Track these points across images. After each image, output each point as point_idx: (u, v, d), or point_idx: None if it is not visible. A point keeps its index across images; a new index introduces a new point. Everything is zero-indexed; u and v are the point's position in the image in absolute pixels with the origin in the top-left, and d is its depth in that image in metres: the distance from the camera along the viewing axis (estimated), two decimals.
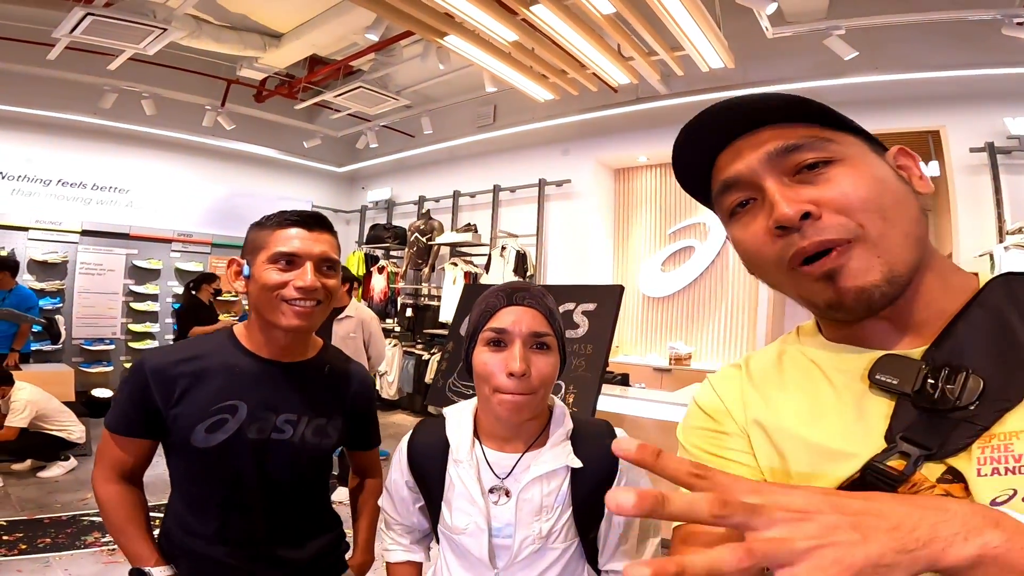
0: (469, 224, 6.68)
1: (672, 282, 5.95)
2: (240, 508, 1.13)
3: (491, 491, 1.00)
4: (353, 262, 7.55)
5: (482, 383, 0.98)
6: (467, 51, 4.55)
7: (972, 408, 0.49)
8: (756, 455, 0.63)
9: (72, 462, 4.22)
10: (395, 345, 6.71)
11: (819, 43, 3.90)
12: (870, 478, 0.52)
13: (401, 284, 7.18)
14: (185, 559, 1.13)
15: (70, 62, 5.41)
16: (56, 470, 4.11)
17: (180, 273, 6.93)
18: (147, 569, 1.10)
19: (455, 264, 6.53)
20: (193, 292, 5.23)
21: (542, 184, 6.33)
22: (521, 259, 6.10)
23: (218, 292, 4.23)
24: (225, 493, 1.12)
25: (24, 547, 2.97)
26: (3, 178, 5.87)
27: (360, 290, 7.44)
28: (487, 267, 6.27)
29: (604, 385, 3.13)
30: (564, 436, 1.02)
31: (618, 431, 1.06)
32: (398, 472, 1.11)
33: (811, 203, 0.54)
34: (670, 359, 5.57)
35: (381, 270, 7.31)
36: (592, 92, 5.33)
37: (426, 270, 6.98)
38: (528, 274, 6.09)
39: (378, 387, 6.45)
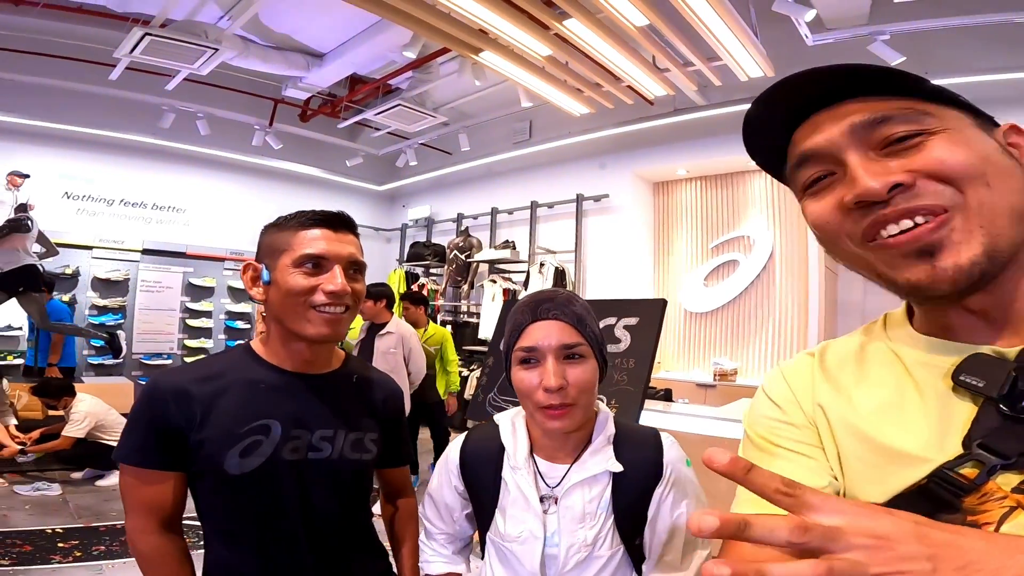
0: (507, 241, 6.71)
1: (716, 297, 5.80)
2: (283, 541, 1.01)
3: (541, 500, 0.99)
4: (394, 280, 7.68)
5: (524, 400, 0.98)
6: (502, 67, 4.60)
7: None
8: (825, 447, 0.59)
9: None
10: None
11: (863, 49, 3.76)
12: (934, 486, 0.48)
13: (441, 301, 7.26)
14: None
15: (130, 83, 5.74)
16: (113, 479, 4.23)
17: (232, 291, 7.19)
18: None
19: (494, 281, 6.54)
20: None
21: (580, 199, 6.30)
22: (560, 275, 6.08)
23: None
24: (265, 525, 1.00)
25: (79, 554, 3.02)
26: (68, 198, 6.24)
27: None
28: (526, 284, 6.27)
29: (647, 400, 3.08)
30: (606, 442, 1.01)
31: (664, 436, 1.04)
32: (446, 478, 1.10)
33: (903, 172, 0.50)
34: (714, 375, 5.42)
35: (421, 287, 7.41)
36: (628, 105, 5.31)
37: (465, 287, 7.02)
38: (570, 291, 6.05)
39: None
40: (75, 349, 5.51)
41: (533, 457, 1.03)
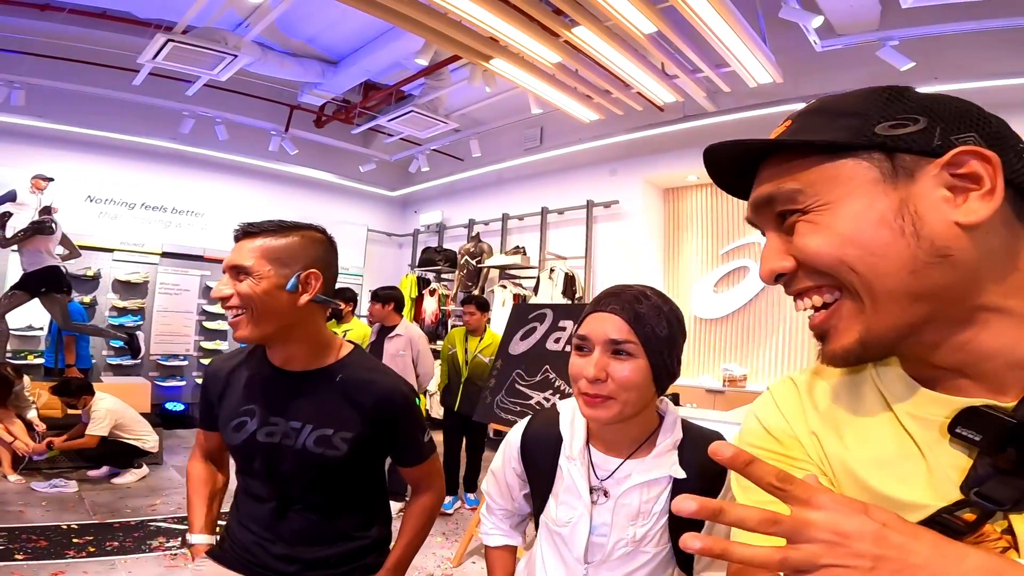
0: (518, 247, 6.74)
1: (726, 303, 5.78)
2: (259, 499, 1.22)
3: (591, 491, 1.03)
4: (406, 285, 7.74)
5: (573, 385, 1.01)
6: (512, 74, 4.67)
7: None
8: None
9: (144, 470, 4.43)
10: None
11: (872, 54, 3.78)
12: (936, 529, 0.48)
13: (452, 306, 7.31)
14: (228, 535, 1.28)
15: (152, 88, 5.87)
16: (129, 477, 4.33)
17: None
18: (188, 536, 1.31)
19: (504, 287, 6.58)
20: None
21: (590, 205, 6.33)
22: (570, 281, 6.10)
23: (337, 313, 4.53)
24: (246, 484, 1.25)
25: (93, 550, 3.08)
26: (91, 201, 6.40)
27: (413, 311, 7.65)
28: (536, 289, 6.30)
29: None
30: (671, 446, 1.02)
31: (728, 439, 1.07)
32: (508, 459, 1.16)
33: (786, 260, 0.54)
34: (724, 381, 5.40)
35: (432, 292, 7.46)
36: (638, 111, 5.34)
37: (476, 292, 7.07)
38: (577, 296, 6.07)
39: (428, 407, 6.52)
40: (89, 351, 5.63)
41: (589, 450, 1.06)
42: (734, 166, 0.58)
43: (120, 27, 5.30)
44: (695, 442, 1.02)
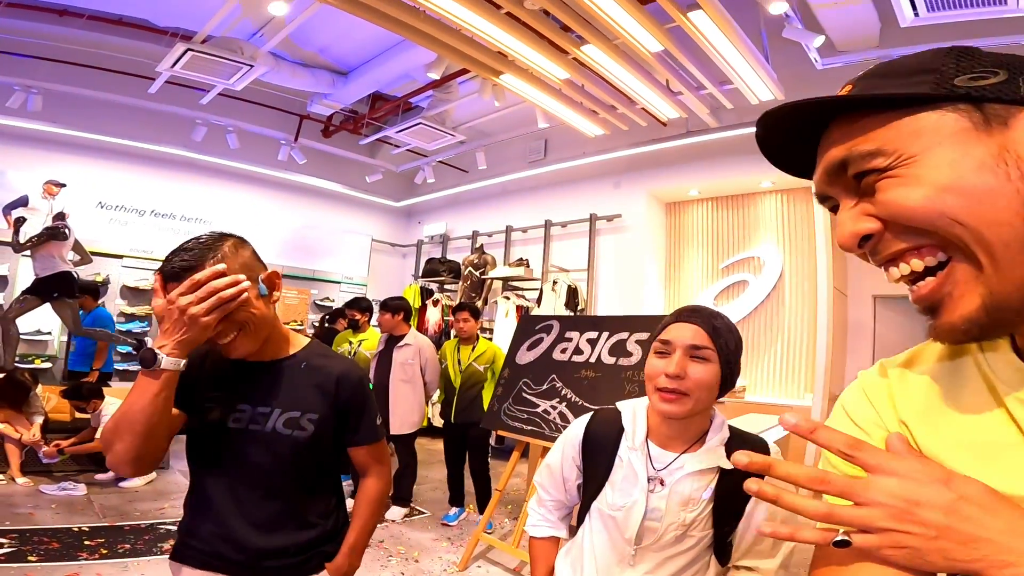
0: (521, 259, 6.81)
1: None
2: (218, 486, 1.23)
3: (648, 480, 1.15)
4: (409, 295, 7.78)
5: (648, 384, 1.15)
6: (521, 89, 4.78)
7: None
8: None
9: (152, 474, 4.40)
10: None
11: None
12: None
13: (453, 317, 7.34)
14: (186, 535, 1.27)
15: (167, 96, 5.96)
16: (137, 480, 4.32)
17: None
18: (155, 349, 1.07)
19: (507, 298, 6.63)
20: (328, 324, 5.81)
21: (593, 219, 6.42)
22: (572, 293, 6.16)
23: (354, 323, 4.64)
24: (208, 469, 1.24)
25: (105, 552, 3.11)
26: (102, 207, 6.45)
27: (416, 321, 7.70)
28: (539, 301, 6.35)
29: None
30: (720, 442, 1.16)
31: (772, 447, 1.19)
32: (568, 452, 1.27)
33: (869, 221, 0.49)
34: None
35: (436, 303, 7.48)
36: (642, 126, 5.45)
37: (479, 303, 7.10)
38: (579, 308, 6.14)
39: (430, 415, 6.53)
40: (112, 356, 5.66)
41: (647, 443, 1.19)
42: (793, 133, 0.54)
43: (138, 34, 5.39)
44: (740, 441, 1.17)
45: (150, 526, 3.55)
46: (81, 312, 5.12)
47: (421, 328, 7.51)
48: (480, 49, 4.33)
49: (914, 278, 0.48)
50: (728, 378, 1.14)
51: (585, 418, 1.30)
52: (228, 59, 4.85)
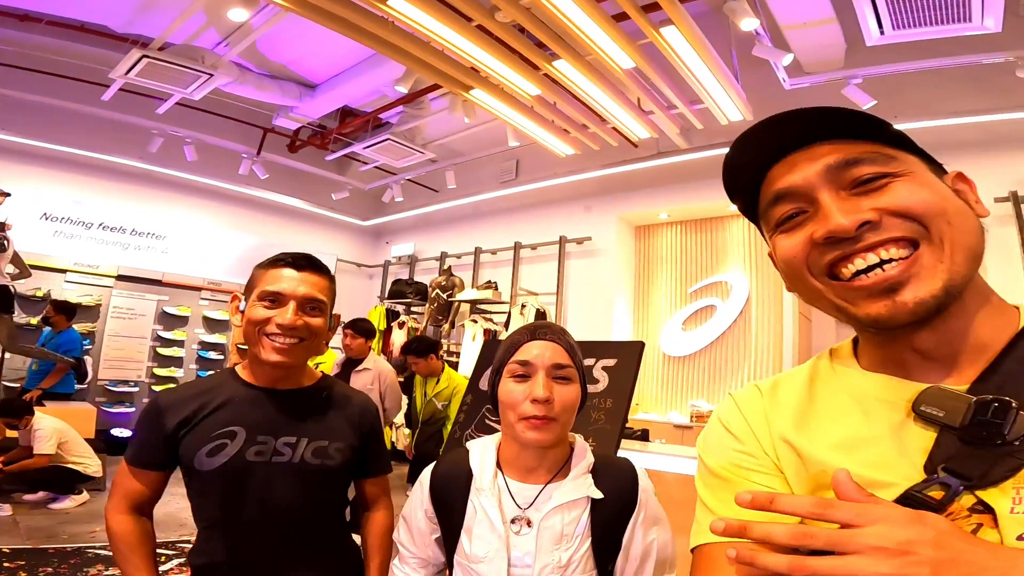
0: (490, 282, 6.72)
1: (693, 341, 5.84)
2: (245, 532, 1.16)
3: (513, 521, 1.02)
4: (375, 316, 7.60)
5: (507, 411, 1.04)
6: (491, 105, 4.73)
7: (1017, 443, 0.50)
8: (787, 477, 0.63)
9: (85, 496, 4.27)
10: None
11: (837, 93, 3.96)
12: (908, 507, 0.51)
13: None
14: None
15: (121, 104, 5.74)
16: (68, 503, 4.14)
17: (208, 321, 7.04)
18: None
19: (475, 321, 6.53)
20: None
21: (563, 241, 6.39)
22: (540, 317, 6.07)
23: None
24: (230, 515, 1.16)
25: (24, 575, 2.94)
26: (47, 219, 6.13)
27: (381, 343, 7.49)
28: (507, 325, 6.25)
29: (624, 440, 3.05)
30: (586, 469, 1.06)
31: (638, 467, 1.11)
32: (418, 502, 1.13)
33: (871, 210, 0.55)
34: (691, 416, 5.40)
35: (401, 325, 7.33)
36: (613, 147, 5.46)
37: (446, 326, 6.98)
38: None
39: (394, 439, 6.33)
40: (73, 378, 5.32)
41: (505, 480, 1.06)
42: (788, 141, 0.61)
43: (97, 40, 5.20)
44: (608, 467, 1.08)
45: (77, 550, 3.35)
46: (50, 331, 4.98)
47: (386, 351, 7.32)
48: (450, 63, 4.27)
49: (878, 264, 0.55)
50: (584, 398, 1.08)
51: (432, 465, 1.17)
52: (186, 67, 4.69)
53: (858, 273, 0.55)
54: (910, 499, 0.51)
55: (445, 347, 6.94)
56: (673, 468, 3.03)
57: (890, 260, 0.54)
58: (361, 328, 3.95)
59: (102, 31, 5.13)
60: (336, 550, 1.27)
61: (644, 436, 3.93)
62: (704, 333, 5.78)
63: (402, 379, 6.14)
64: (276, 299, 1.18)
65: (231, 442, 1.16)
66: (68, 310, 5.14)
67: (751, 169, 0.64)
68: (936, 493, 0.51)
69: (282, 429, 1.20)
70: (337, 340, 5.61)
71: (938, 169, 0.60)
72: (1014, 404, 0.50)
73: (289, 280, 1.19)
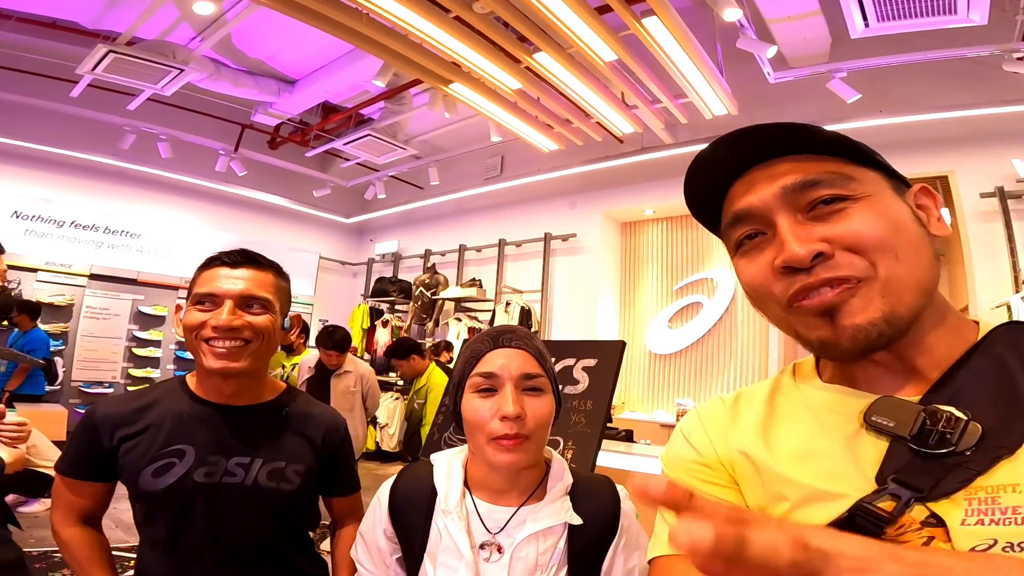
0: (474, 279, 6.64)
1: (680, 339, 5.79)
2: (191, 553, 1.08)
3: (482, 547, 0.92)
4: (358, 315, 7.50)
5: (475, 432, 0.92)
6: (472, 99, 4.63)
7: (968, 453, 0.49)
8: (742, 489, 0.62)
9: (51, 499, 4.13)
10: (397, 399, 6.56)
11: (822, 87, 3.91)
12: (859, 519, 0.51)
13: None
14: None
15: (92, 101, 5.59)
16: (37, 506, 4.00)
17: None
18: None
19: (459, 319, 6.47)
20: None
21: (548, 238, 6.31)
22: (525, 315, 6.02)
23: (288, 346, 4.31)
24: (176, 538, 1.08)
25: None
26: (17, 217, 5.97)
27: (364, 342, 7.39)
28: (491, 322, 6.18)
29: (607, 441, 2.98)
30: (563, 491, 0.96)
31: (619, 488, 1.01)
32: (376, 519, 1.02)
33: (824, 241, 0.54)
34: (677, 415, 5.35)
35: (385, 324, 7.26)
36: (597, 143, 5.39)
37: (430, 325, 6.90)
38: (533, 331, 5.97)
39: (378, 439, 6.27)
40: (43, 380, 5.17)
41: (473, 501, 0.96)
42: (744, 160, 0.60)
43: (67, 37, 5.05)
44: (587, 487, 0.98)
45: (43, 554, 3.25)
46: (17, 332, 4.87)
47: (371, 349, 7.24)
48: (430, 57, 4.17)
49: (812, 288, 0.54)
50: (558, 408, 0.96)
51: (392, 478, 1.06)
52: (155, 62, 4.54)
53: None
54: (860, 511, 0.51)
55: (430, 345, 6.86)
56: (657, 469, 2.98)
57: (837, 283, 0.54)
58: (338, 342, 3.76)
59: (72, 27, 4.99)
60: (291, 573, 1.18)
61: (628, 437, 3.86)
62: (690, 330, 5.74)
63: (384, 378, 6.05)
64: (210, 300, 1.08)
65: (179, 462, 1.07)
66: (31, 309, 4.99)
67: (712, 184, 0.63)
68: (887, 504, 0.50)
69: (235, 448, 1.11)
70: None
71: (901, 185, 0.59)
72: (965, 414, 0.50)
73: (224, 278, 1.09)
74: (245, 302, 1.09)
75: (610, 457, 3.08)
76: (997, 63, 3.47)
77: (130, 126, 5.89)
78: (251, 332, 1.08)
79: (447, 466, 0.99)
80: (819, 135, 0.56)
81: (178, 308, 1.16)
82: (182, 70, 4.67)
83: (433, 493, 0.97)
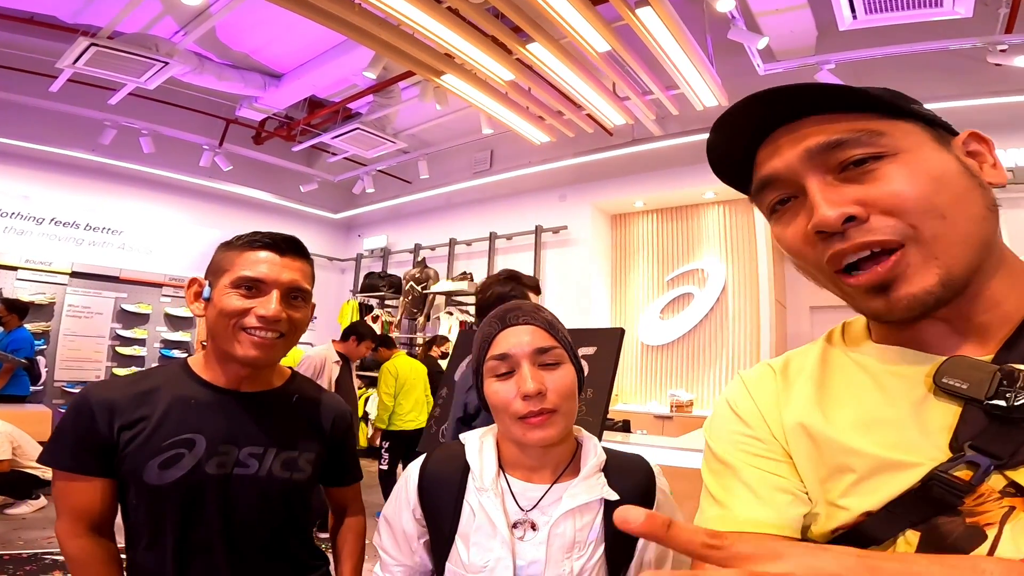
0: (465, 273, 6.62)
1: (671, 330, 5.84)
2: (201, 551, 1.00)
3: (515, 525, 0.91)
4: (347, 311, 7.44)
5: (501, 415, 0.92)
6: (464, 91, 4.60)
7: None
8: (797, 463, 0.59)
9: (42, 500, 4.15)
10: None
11: (810, 78, 3.93)
12: (936, 489, 0.48)
13: (396, 334, 7.05)
14: None
15: (72, 95, 5.48)
16: (24, 508, 4.03)
17: (170, 318, 6.79)
18: None
19: (450, 313, 6.45)
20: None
21: (539, 231, 6.31)
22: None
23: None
24: (183, 535, 1.00)
25: None
26: None
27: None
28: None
29: (606, 432, 2.98)
30: (597, 467, 0.95)
31: (653, 465, 1.00)
32: (404, 503, 1.00)
33: (857, 203, 0.51)
34: (671, 406, 5.40)
35: (375, 319, 7.20)
36: (588, 135, 5.39)
37: (421, 319, 6.87)
38: None
39: (369, 435, 6.24)
40: (27, 380, 5.07)
41: (506, 478, 0.95)
42: (770, 120, 0.57)
43: (46, 32, 4.93)
44: (620, 464, 0.98)
45: (33, 556, 3.25)
46: (1, 331, 4.80)
47: None
48: (421, 47, 4.13)
49: (860, 261, 0.52)
50: (580, 376, 0.95)
51: (421, 459, 1.03)
52: (137, 55, 4.44)
53: (849, 268, 0.53)
54: (936, 480, 0.48)
55: (421, 340, 6.82)
56: (656, 460, 2.99)
57: (882, 252, 0.51)
58: (371, 335, 4.18)
59: (51, 22, 4.87)
60: (299, 566, 1.13)
61: (626, 427, 3.88)
62: (682, 321, 5.78)
63: (371, 374, 6.02)
64: (255, 287, 1.01)
65: (189, 452, 0.99)
66: (20, 309, 4.93)
67: (737, 149, 0.60)
68: (964, 473, 0.47)
69: (247, 437, 1.04)
70: (309, 336, 5.48)
71: (945, 134, 0.55)
72: None
73: (271, 265, 1.02)
74: (291, 293, 1.04)
75: (609, 447, 3.10)
76: (982, 55, 3.53)
77: (110, 121, 5.76)
78: (288, 325, 1.04)
79: (479, 444, 0.98)
80: (843, 93, 0.53)
81: (194, 282, 1.07)
82: (166, 63, 4.58)
83: (465, 472, 0.96)
